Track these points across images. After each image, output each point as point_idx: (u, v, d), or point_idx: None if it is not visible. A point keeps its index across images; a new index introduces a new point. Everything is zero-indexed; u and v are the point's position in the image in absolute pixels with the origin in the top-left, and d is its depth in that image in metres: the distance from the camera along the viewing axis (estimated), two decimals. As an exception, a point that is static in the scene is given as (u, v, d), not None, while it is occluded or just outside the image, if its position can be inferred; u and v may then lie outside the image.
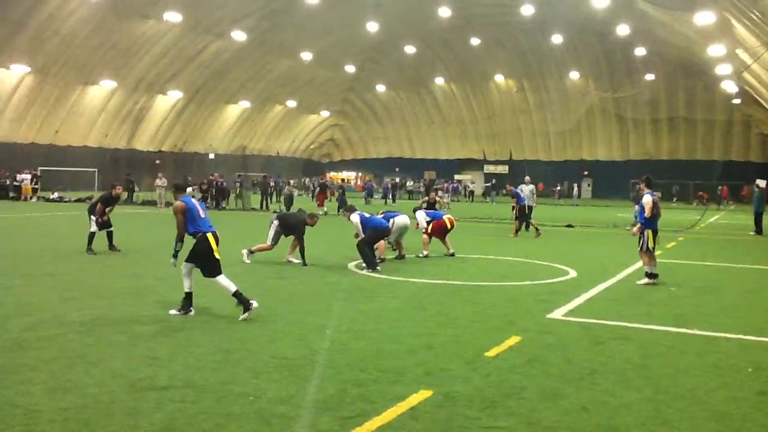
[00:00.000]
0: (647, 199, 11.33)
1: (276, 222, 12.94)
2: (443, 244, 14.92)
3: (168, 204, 32.64)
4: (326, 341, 6.89)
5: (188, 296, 8.04)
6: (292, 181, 36.86)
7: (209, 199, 33.78)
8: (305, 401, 5.07)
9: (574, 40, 56.55)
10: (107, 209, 14.22)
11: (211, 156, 64.12)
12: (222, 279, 7.98)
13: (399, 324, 7.82)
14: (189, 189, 8.28)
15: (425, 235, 14.74)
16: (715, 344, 7.31)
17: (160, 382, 5.43)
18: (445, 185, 48.91)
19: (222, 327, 7.46)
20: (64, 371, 5.67)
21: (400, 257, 13.94)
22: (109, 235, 14.22)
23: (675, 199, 53.80)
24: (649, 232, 11.34)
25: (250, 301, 7.83)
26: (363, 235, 12.51)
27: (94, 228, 13.95)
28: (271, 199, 34.01)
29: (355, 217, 12.85)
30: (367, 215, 13.16)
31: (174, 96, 57.64)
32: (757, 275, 13.39)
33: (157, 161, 55.43)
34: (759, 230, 23.24)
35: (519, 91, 65.96)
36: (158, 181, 35.00)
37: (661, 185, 52.80)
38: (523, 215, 20.88)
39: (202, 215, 8.17)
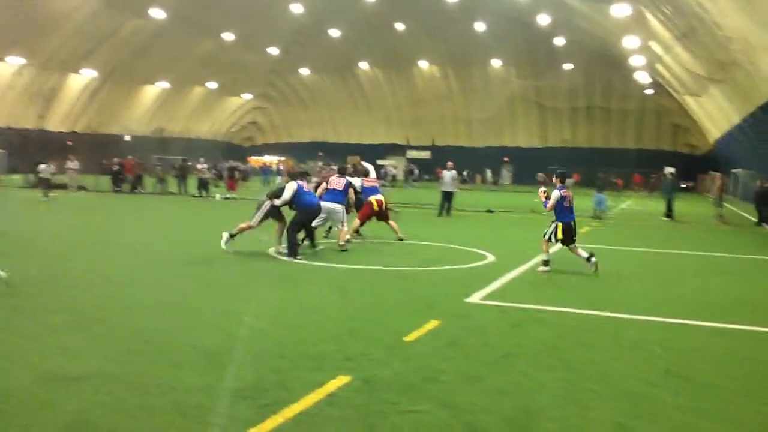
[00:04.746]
0: (555, 194, 11.34)
1: (268, 203, 12.24)
2: (358, 227, 14.66)
3: (80, 188, 31.32)
4: (246, 329, 6.80)
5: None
6: (200, 165, 34.25)
7: (119, 183, 32.05)
8: (223, 390, 5.00)
9: (498, 28, 57.18)
10: None
11: (127, 138, 61.96)
12: None
13: (321, 310, 7.80)
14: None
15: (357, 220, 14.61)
16: (625, 325, 7.61)
17: (73, 373, 5.25)
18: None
19: (143, 316, 7.25)
20: (-34, 364, 5.40)
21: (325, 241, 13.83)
22: None
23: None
24: (558, 225, 11.33)
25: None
26: (284, 201, 11.95)
27: None
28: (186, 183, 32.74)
29: (292, 184, 12.08)
30: (307, 189, 12.41)
31: (88, 74, 55.36)
32: (668, 258, 14.02)
33: (69, 142, 53.11)
34: (670, 214, 24.38)
35: (443, 77, 66.53)
36: (70, 164, 33.48)
37: (584, 173, 54.14)
38: (443, 200, 21.19)
39: None
